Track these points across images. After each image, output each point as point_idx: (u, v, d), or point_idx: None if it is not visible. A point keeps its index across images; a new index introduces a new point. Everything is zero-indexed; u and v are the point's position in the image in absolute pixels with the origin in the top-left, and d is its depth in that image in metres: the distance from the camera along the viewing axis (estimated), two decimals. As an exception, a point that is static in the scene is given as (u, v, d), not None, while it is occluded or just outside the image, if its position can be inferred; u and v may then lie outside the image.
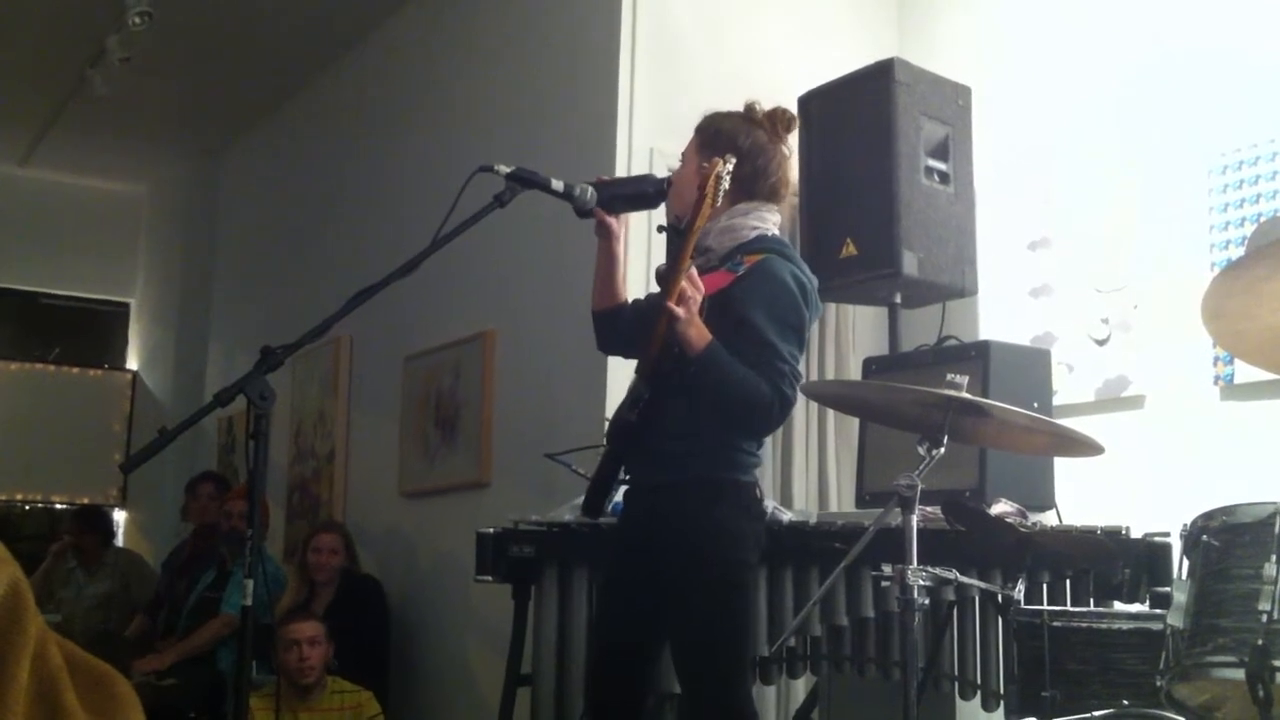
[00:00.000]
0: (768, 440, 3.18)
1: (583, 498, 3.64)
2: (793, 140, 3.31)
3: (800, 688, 4.36)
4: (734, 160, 2.92)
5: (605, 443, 3.15)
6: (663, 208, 3.22)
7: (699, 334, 2.88)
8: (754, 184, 3.11)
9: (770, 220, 3.13)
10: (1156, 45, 4.21)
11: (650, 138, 4.52)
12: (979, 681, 3.53)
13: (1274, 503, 2.40)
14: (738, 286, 2.97)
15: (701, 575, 2.93)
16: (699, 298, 2.88)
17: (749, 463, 3.02)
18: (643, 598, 3.01)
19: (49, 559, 7.05)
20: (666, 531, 2.95)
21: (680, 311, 2.85)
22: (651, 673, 3.14)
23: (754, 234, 3.07)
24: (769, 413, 2.91)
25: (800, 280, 3.01)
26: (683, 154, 3.18)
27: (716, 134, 3.11)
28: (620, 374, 4.23)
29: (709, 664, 2.95)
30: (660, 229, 3.06)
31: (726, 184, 2.89)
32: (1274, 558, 2.33)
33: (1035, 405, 3.62)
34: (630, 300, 3.25)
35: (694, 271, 2.91)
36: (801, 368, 3.05)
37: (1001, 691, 3.46)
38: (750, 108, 3.19)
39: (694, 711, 3.05)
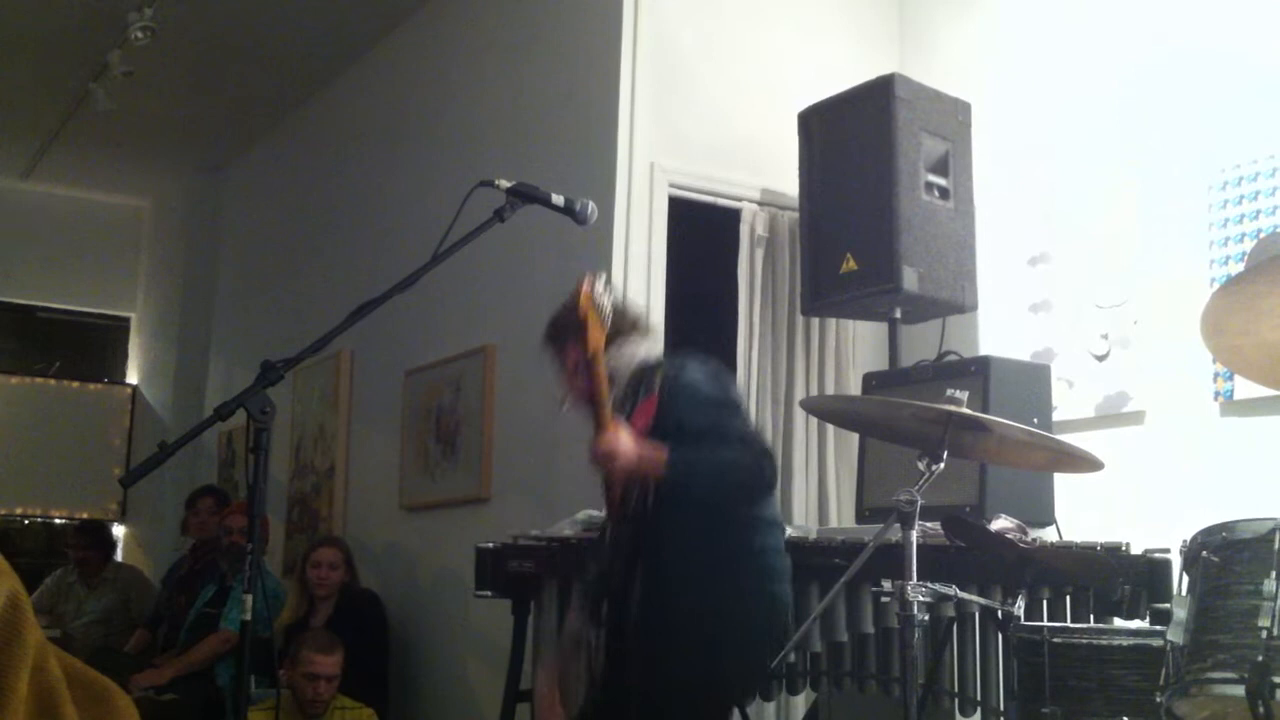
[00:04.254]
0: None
1: (583, 513, 3.66)
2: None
3: (800, 704, 4.36)
4: (603, 275, 2.89)
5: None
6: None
7: (649, 459, 2.88)
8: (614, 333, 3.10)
9: (632, 352, 3.13)
10: (1156, 61, 4.22)
11: (651, 153, 4.53)
12: (979, 698, 3.52)
13: (1274, 519, 2.40)
14: (661, 401, 3.00)
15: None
16: (623, 444, 2.86)
17: (776, 569, 3.01)
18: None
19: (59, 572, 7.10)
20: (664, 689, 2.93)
21: (622, 459, 2.85)
22: None
23: (636, 363, 3.10)
24: (760, 475, 2.93)
25: (697, 364, 3.04)
26: (558, 379, 3.12)
27: (564, 328, 3.06)
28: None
29: None
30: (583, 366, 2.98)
31: (610, 296, 2.86)
32: (1274, 574, 2.33)
33: (1035, 421, 3.62)
34: None
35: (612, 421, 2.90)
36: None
37: (1002, 708, 3.45)
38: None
39: None
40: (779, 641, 3.03)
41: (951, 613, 3.44)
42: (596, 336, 2.84)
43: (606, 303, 2.85)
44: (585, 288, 2.80)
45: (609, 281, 2.88)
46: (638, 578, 2.95)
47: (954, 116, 4.31)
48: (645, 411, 3.03)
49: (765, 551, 2.99)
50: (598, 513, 3.65)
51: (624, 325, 3.12)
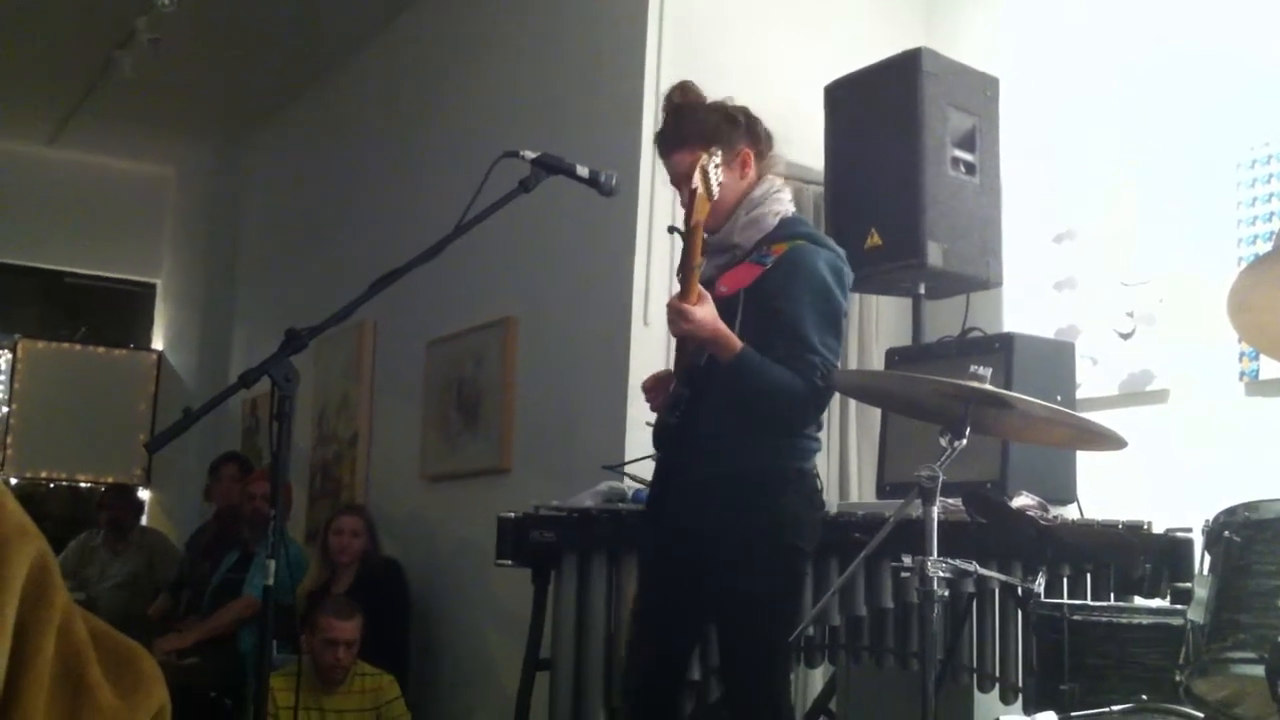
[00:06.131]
0: (826, 423, 3.17)
1: (605, 484, 3.67)
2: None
3: (818, 677, 4.37)
4: (719, 152, 2.89)
5: (654, 449, 3.16)
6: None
7: (722, 342, 2.88)
8: (760, 155, 3.12)
9: (785, 198, 3.12)
10: (1185, 37, 4.19)
11: (676, 125, 4.51)
12: (997, 674, 3.52)
13: (1297, 499, 2.39)
14: (770, 278, 2.97)
15: (762, 563, 2.92)
16: (697, 313, 2.85)
17: (809, 449, 3.04)
18: (690, 592, 2.99)
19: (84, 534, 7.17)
20: (723, 523, 2.93)
21: (689, 325, 2.85)
22: (689, 666, 3.15)
23: (776, 219, 3.07)
24: (804, 409, 2.96)
25: (835, 266, 3.02)
26: (702, 168, 2.96)
27: (717, 128, 3.06)
28: (640, 363, 4.24)
29: (758, 654, 2.95)
30: (670, 230, 3.01)
31: (718, 176, 2.85)
32: (1296, 554, 2.33)
33: (1058, 398, 3.60)
34: None
35: (701, 290, 2.89)
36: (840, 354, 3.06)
37: (1020, 684, 3.46)
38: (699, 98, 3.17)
39: (736, 699, 3.05)
40: (814, 509, 3.06)
41: (971, 589, 3.44)
42: (701, 211, 2.82)
43: (715, 176, 2.83)
44: (702, 162, 2.79)
45: (720, 163, 2.86)
46: (691, 434, 2.98)
47: (981, 91, 4.28)
48: (744, 276, 3.01)
49: (795, 437, 3.02)
50: (619, 484, 3.66)
51: (765, 147, 3.13)
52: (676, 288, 4.31)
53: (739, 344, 2.88)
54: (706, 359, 2.95)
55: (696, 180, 2.81)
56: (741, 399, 2.93)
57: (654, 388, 3.11)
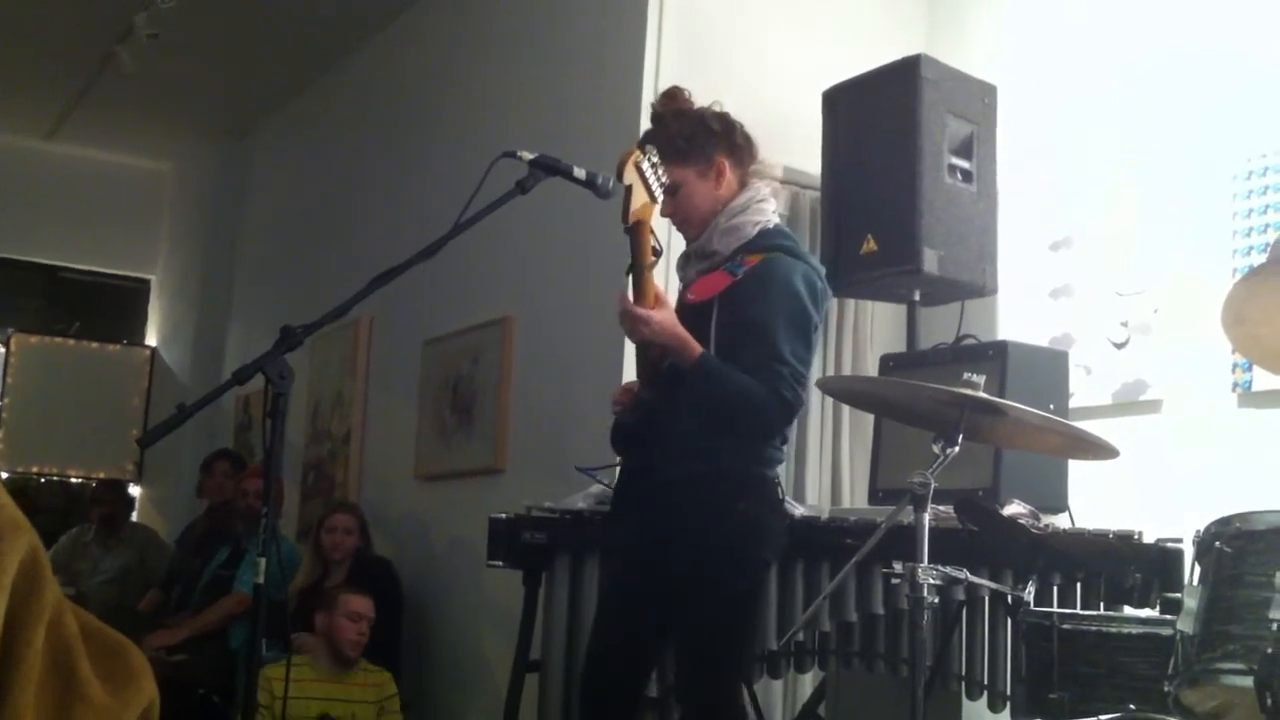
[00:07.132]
0: (792, 434, 3.16)
1: (596, 486, 3.67)
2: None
3: (807, 682, 4.37)
4: (654, 150, 2.87)
5: (613, 449, 3.16)
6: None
7: (681, 348, 2.87)
8: (739, 162, 3.10)
9: (768, 208, 3.11)
10: (1182, 48, 4.19)
11: (674, 129, 4.51)
12: (986, 682, 3.53)
13: (1288, 511, 2.40)
14: (744, 288, 2.96)
15: (720, 570, 2.91)
16: (654, 318, 2.85)
17: (773, 456, 3.01)
18: (653, 596, 2.99)
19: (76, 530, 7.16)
20: (685, 526, 2.92)
21: (645, 330, 2.84)
22: (649, 674, 3.15)
23: (756, 230, 3.06)
24: (766, 418, 2.92)
25: (810, 279, 3.00)
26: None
27: (690, 139, 3.06)
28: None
29: (713, 661, 2.95)
30: (626, 231, 2.90)
31: (658, 173, 2.83)
32: (1287, 566, 2.33)
33: (1051, 407, 3.61)
34: None
35: (660, 291, 2.89)
36: (812, 367, 3.04)
37: (1009, 692, 3.46)
38: (676, 97, 3.16)
39: (691, 705, 3.04)
40: (778, 516, 3.04)
41: (962, 596, 3.45)
42: (639, 207, 2.80)
43: (655, 176, 2.82)
44: (635, 159, 2.78)
45: (656, 160, 2.84)
46: (651, 436, 2.97)
47: (980, 99, 4.28)
48: (714, 284, 2.99)
49: (758, 444, 2.99)
50: (610, 487, 3.66)
51: (746, 155, 3.11)
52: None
53: (698, 349, 2.87)
54: (669, 364, 2.94)
55: (630, 177, 2.80)
56: (703, 403, 2.92)
57: (623, 398, 3.11)
